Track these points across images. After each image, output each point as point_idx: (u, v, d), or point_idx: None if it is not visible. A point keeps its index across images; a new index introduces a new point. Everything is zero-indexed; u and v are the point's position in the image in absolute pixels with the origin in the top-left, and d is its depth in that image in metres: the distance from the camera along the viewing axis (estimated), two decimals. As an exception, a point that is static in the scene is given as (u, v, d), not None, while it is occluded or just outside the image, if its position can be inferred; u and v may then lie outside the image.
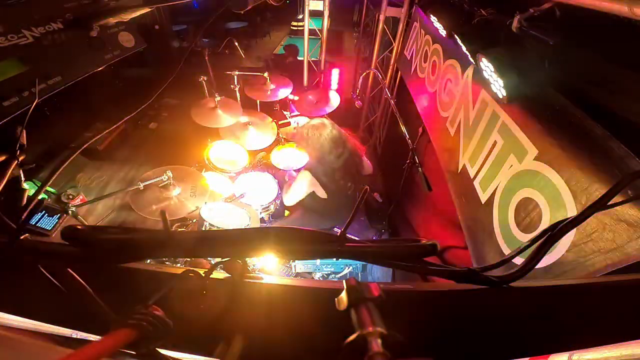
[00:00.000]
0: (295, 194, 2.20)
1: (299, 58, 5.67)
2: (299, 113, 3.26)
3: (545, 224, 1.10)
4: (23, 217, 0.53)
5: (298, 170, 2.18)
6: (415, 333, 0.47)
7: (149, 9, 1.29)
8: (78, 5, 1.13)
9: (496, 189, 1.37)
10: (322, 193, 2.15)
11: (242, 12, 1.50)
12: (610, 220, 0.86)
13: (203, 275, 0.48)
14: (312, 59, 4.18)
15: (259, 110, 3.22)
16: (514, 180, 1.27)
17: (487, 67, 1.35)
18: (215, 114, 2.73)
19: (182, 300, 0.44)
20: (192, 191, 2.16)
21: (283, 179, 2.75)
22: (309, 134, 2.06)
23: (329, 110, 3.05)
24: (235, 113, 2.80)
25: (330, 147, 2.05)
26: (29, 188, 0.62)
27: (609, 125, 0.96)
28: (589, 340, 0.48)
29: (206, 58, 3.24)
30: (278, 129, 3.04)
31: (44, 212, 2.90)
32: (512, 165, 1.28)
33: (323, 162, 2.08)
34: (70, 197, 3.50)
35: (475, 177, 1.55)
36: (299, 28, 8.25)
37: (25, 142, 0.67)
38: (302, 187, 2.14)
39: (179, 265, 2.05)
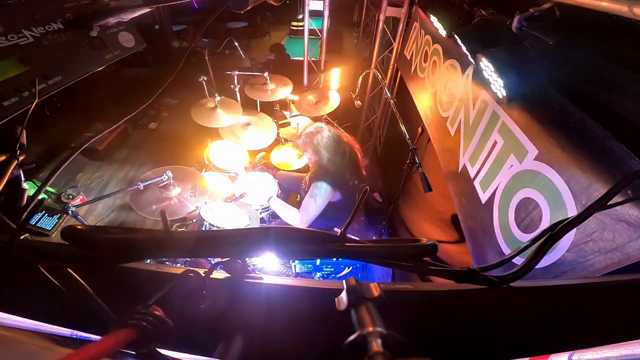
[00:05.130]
0: (314, 210, 2.09)
1: (292, 58, 5.64)
2: (299, 113, 3.26)
3: (545, 224, 1.10)
4: (23, 217, 0.53)
5: (313, 184, 2.08)
6: (415, 333, 0.47)
7: (149, 9, 1.29)
8: (78, 5, 1.12)
9: (496, 189, 1.37)
10: (337, 197, 2.12)
11: (242, 12, 1.50)
12: (610, 220, 0.86)
13: (203, 275, 0.48)
14: (312, 59, 4.18)
15: (259, 110, 3.22)
16: (514, 180, 1.27)
17: (487, 67, 1.35)
18: (215, 114, 2.73)
19: (182, 300, 0.44)
20: (192, 191, 2.16)
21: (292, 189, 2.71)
22: (314, 141, 2.03)
23: (329, 110, 3.05)
24: (235, 113, 2.81)
25: (335, 147, 2.04)
26: (29, 188, 0.62)
27: (609, 125, 0.96)
28: (589, 340, 0.48)
29: (206, 58, 3.24)
30: (278, 129, 3.04)
31: (44, 212, 2.91)
32: (512, 165, 1.28)
33: (334, 165, 2.05)
34: (70, 197, 3.50)
35: (475, 177, 1.55)
36: (299, 28, 8.26)
37: (25, 142, 0.67)
38: (321, 201, 2.07)
39: (179, 265, 2.06)
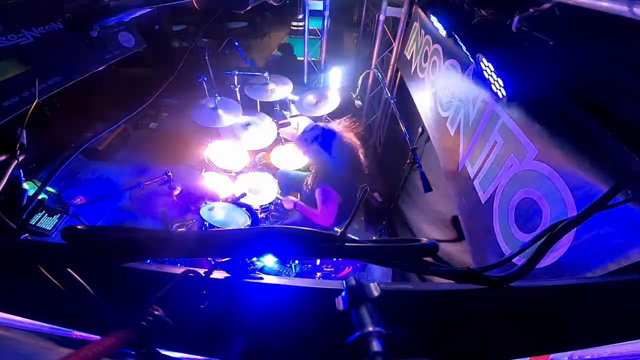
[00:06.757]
0: (332, 213, 2.09)
1: (299, 58, 5.64)
2: (299, 113, 3.26)
3: (545, 224, 1.10)
4: (23, 217, 0.53)
5: (320, 186, 2.08)
6: (415, 333, 0.47)
7: (149, 9, 1.29)
8: (78, 5, 1.12)
9: (496, 189, 1.37)
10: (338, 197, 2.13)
11: (242, 12, 1.50)
12: (610, 220, 0.86)
13: (203, 275, 0.48)
14: (312, 59, 4.18)
15: (259, 110, 3.22)
16: (514, 180, 1.27)
17: (487, 67, 1.35)
18: (215, 114, 2.73)
19: (182, 300, 0.44)
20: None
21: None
22: (315, 140, 2.03)
23: (329, 110, 3.05)
24: (235, 113, 2.81)
25: (336, 146, 2.04)
26: (29, 188, 0.62)
27: (609, 125, 0.96)
28: (589, 341, 0.48)
29: (206, 58, 3.24)
30: (278, 129, 3.04)
31: (44, 212, 2.90)
32: (512, 165, 1.28)
33: (334, 164, 2.05)
34: (70, 197, 3.50)
35: (475, 177, 1.55)
36: (299, 28, 8.26)
37: (25, 142, 0.67)
38: (332, 202, 2.06)
39: (179, 265, 2.05)
